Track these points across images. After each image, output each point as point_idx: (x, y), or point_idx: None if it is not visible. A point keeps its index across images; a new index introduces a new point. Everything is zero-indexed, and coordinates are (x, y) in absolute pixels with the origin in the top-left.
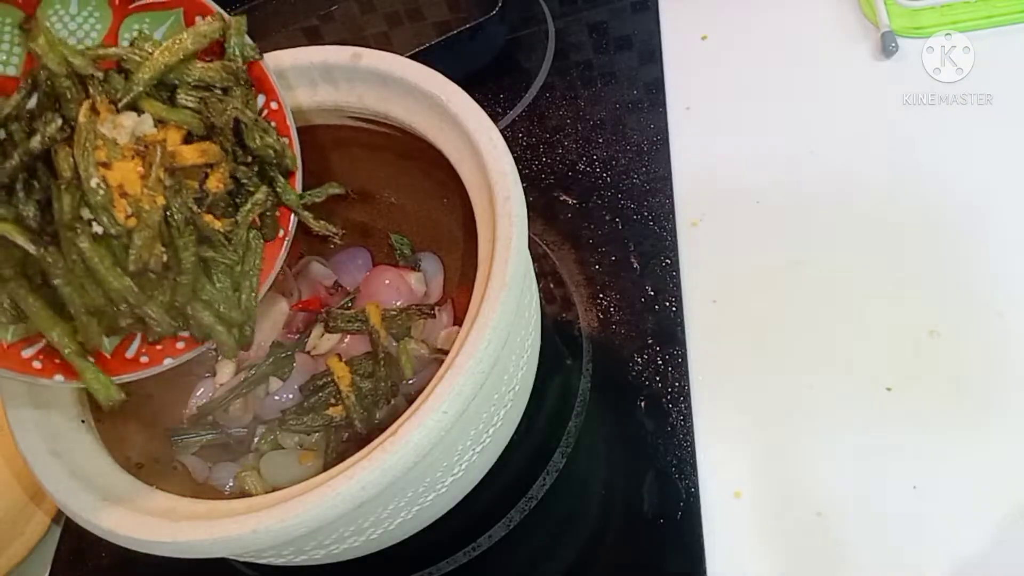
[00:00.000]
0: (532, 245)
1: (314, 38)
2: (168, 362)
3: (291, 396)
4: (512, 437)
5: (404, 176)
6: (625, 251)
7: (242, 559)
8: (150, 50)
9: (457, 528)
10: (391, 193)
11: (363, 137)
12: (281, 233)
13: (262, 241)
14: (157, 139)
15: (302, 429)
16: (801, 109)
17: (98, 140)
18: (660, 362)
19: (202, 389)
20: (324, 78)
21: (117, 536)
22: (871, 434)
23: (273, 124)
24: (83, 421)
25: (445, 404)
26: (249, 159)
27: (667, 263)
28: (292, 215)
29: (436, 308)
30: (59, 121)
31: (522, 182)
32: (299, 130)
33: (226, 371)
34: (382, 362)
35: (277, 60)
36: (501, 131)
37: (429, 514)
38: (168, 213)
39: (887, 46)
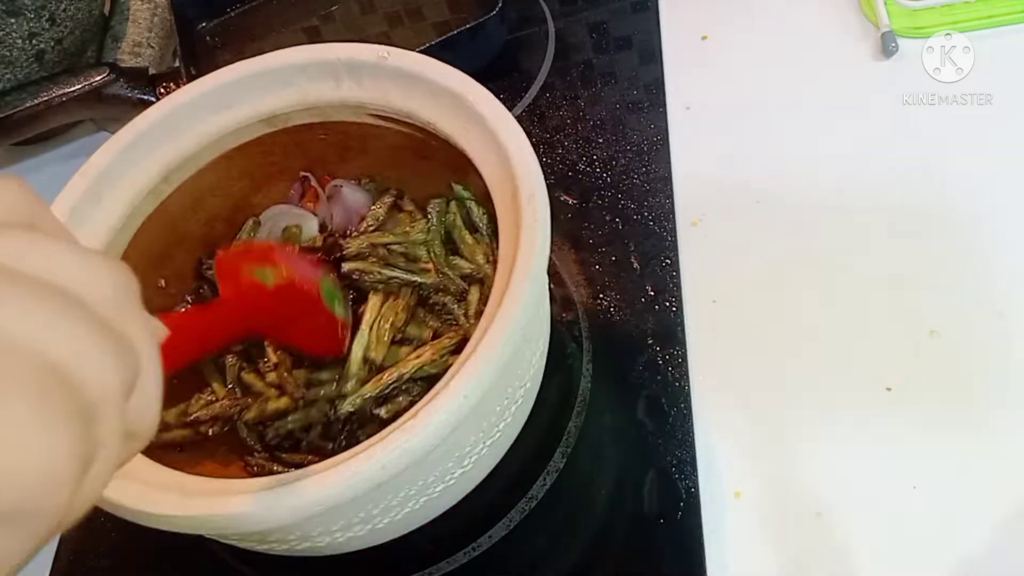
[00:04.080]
0: None
1: (314, 38)
2: None
3: None
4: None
5: (420, 175)
6: (625, 251)
7: (242, 544)
8: None
9: (457, 528)
10: (407, 190)
11: (384, 134)
12: None
13: None
14: None
15: None
16: (801, 109)
17: None
18: (660, 362)
19: None
20: (349, 74)
21: (125, 510)
22: (871, 434)
23: None
24: None
25: (466, 389)
26: None
27: (667, 263)
28: None
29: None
30: None
31: None
32: (319, 125)
33: None
34: None
35: (302, 55)
36: None
37: (436, 507)
38: None
39: (887, 46)
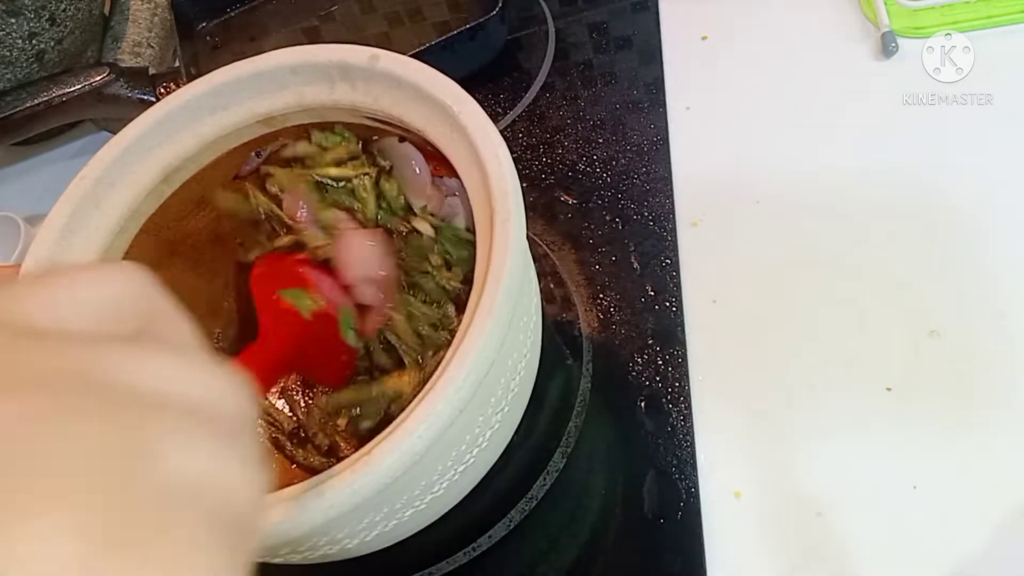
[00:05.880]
0: (532, 245)
1: (314, 38)
2: None
3: None
4: (512, 438)
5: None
6: (625, 251)
7: None
8: None
9: (457, 528)
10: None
11: (383, 135)
12: None
13: None
14: None
15: None
16: (801, 109)
17: None
18: (660, 362)
19: None
20: (342, 77)
21: None
22: (871, 434)
23: None
24: None
25: (420, 429)
26: None
27: (667, 263)
28: None
29: None
30: None
31: (522, 182)
32: (318, 126)
33: None
34: None
35: (294, 56)
36: (501, 131)
37: (425, 517)
38: None
39: (887, 46)
